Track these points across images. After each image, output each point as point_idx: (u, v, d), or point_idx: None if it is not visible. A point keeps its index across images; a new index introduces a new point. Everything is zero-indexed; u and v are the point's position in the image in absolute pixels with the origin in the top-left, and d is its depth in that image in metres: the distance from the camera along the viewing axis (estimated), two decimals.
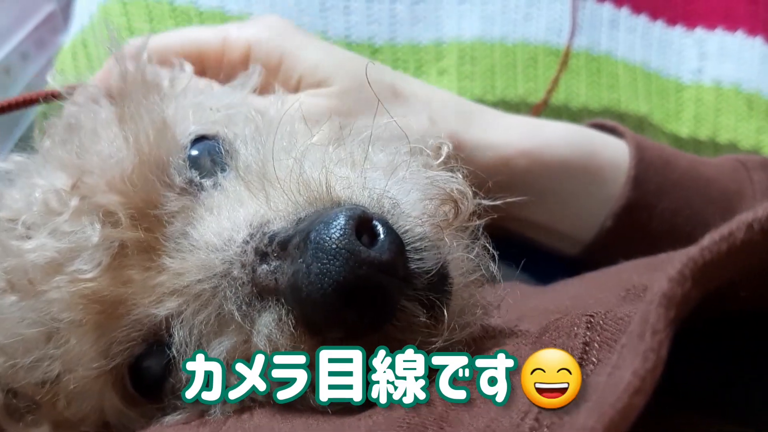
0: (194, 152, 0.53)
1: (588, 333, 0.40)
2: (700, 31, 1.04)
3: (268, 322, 0.44)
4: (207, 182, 0.52)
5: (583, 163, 0.75)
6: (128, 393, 0.51)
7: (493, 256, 0.49)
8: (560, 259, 0.81)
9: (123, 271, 0.47)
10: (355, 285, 0.41)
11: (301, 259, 0.42)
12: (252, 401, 0.46)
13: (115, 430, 0.52)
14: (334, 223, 0.41)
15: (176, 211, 0.49)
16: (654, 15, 1.03)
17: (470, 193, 0.49)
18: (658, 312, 0.29)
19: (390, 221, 0.44)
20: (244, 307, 0.45)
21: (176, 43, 0.68)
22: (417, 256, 0.44)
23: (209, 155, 0.53)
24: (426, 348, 0.43)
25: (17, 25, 0.95)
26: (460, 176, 0.50)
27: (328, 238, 0.41)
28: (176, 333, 0.47)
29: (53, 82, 0.64)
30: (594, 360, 0.38)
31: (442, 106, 0.73)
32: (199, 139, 0.54)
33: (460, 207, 0.48)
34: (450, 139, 0.63)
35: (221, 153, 0.53)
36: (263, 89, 0.66)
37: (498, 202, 0.51)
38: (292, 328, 0.43)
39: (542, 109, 0.95)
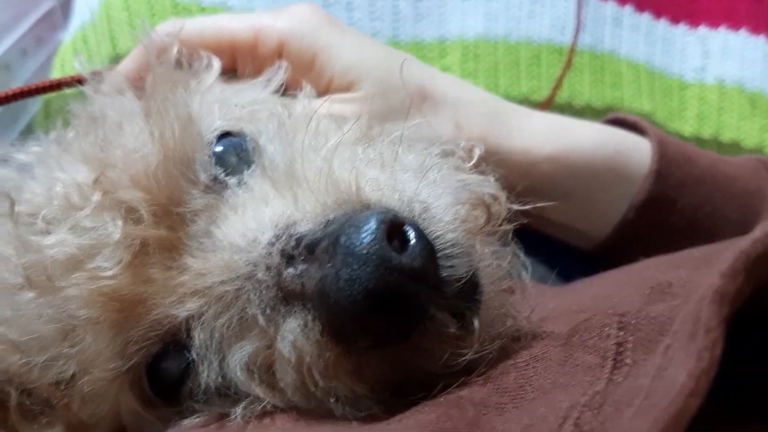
0: (218, 148, 0.52)
1: (620, 333, 0.39)
2: (703, 30, 1.03)
3: (293, 327, 0.43)
4: (231, 180, 0.50)
5: (609, 164, 0.75)
6: (146, 395, 0.50)
7: (525, 263, 0.48)
8: (575, 251, 0.81)
9: (143, 269, 0.46)
10: (385, 292, 0.40)
11: (329, 264, 0.40)
12: (273, 406, 0.45)
13: None
14: (365, 227, 0.40)
15: (200, 209, 0.48)
16: (657, 13, 1.02)
17: (503, 197, 0.48)
18: (710, 309, 0.29)
19: (421, 226, 0.43)
20: (268, 311, 0.44)
21: (208, 33, 0.66)
22: (448, 263, 0.43)
23: (234, 152, 0.52)
24: (455, 360, 0.43)
25: (16, 22, 0.94)
26: (493, 180, 0.49)
27: (358, 243, 0.40)
28: (196, 335, 0.46)
29: (79, 66, 0.62)
30: (629, 362, 0.37)
31: (470, 107, 0.71)
32: (223, 135, 0.53)
33: (492, 212, 0.47)
34: (476, 141, 0.63)
35: (246, 150, 0.52)
36: (291, 85, 0.65)
37: (528, 207, 0.50)
38: (318, 335, 0.42)
39: (547, 108, 0.94)
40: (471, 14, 0.97)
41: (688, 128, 1.01)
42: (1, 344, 0.49)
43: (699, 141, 1.00)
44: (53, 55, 0.96)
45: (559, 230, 0.79)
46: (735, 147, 1.00)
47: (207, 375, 0.47)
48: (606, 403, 0.33)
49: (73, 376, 0.49)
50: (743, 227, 0.63)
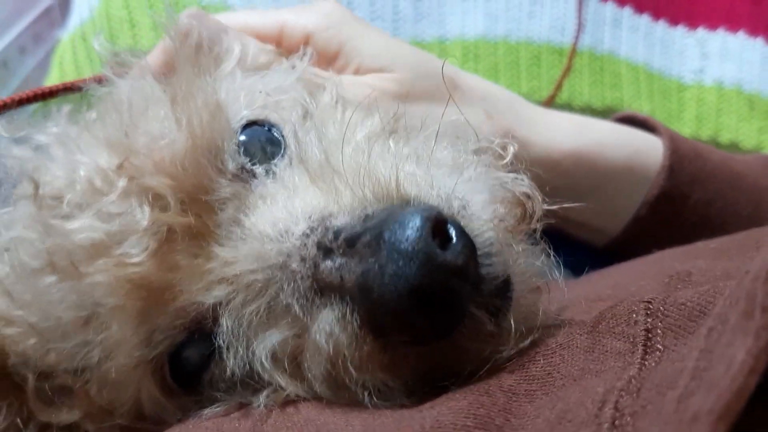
0: (243, 137, 0.51)
1: (649, 320, 0.39)
2: (701, 32, 1.04)
3: (330, 318, 0.42)
4: (259, 169, 0.50)
5: (627, 163, 0.75)
6: (166, 383, 0.49)
7: (557, 261, 0.48)
8: (584, 246, 0.80)
9: (170, 256, 0.46)
10: (429, 289, 0.39)
11: (373, 259, 0.40)
12: (296, 395, 0.44)
13: (150, 421, 0.50)
14: (411, 223, 0.40)
15: (227, 197, 0.48)
16: (656, 15, 1.03)
17: (538, 196, 0.48)
18: (765, 289, 0.28)
19: (462, 223, 0.43)
20: (302, 301, 0.43)
21: (232, 29, 0.65)
22: (486, 262, 0.43)
23: (259, 141, 0.51)
24: (494, 357, 0.43)
25: (15, 19, 0.93)
26: (527, 178, 0.49)
27: (404, 239, 0.39)
28: (224, 322, 0.46)
29: (99, 48, 0.60)
30: (659, 347, 0.37)
31: (497, 100, 0.72)
32: (248, 125, 0.52)
33: (526, 210, 0.47)
34: (504, 134, 0.62)
35: (272, 139, 0.51)
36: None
37: (556, 207, 0.49)
38: (356, 328, 0.42)
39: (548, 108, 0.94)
40: (471, 14, 0.97)
41: (686, 130, 1.01)
42: (20, 327, 0.48)
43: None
44: (52, 53, 0.95)
45: (574, 227, 0.79)
46: (733, 148, 1.01)
47: (233, 362, 0.47)
48: (644, 387, 0.33)
49: (97, 362, 0.48)
50: (755, 223, 0.63)
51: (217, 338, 0.46)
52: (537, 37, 0.98)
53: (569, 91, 0.97)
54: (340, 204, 0.45)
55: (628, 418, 0.31)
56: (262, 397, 0.45)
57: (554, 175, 0.70)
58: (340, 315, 0.42)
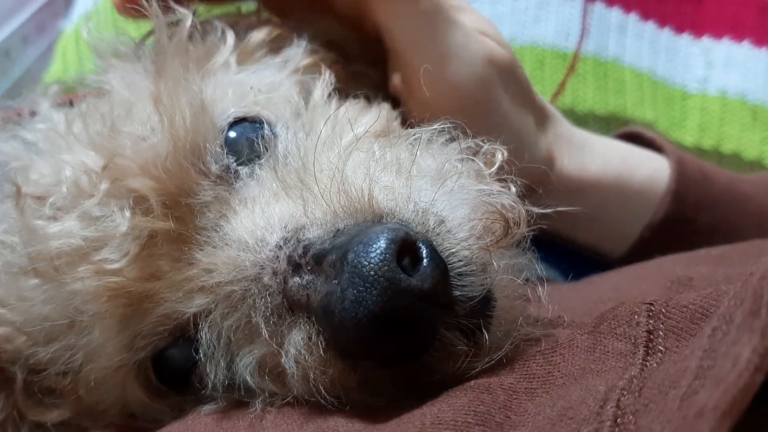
0: (232, 134, 0.50)
1: (651, 321, 0.39)
2: (707, 40, 1.03)
3: (297, 340, 0.42)
4: (243, 170, 0.49)
5: (640, 189, 0.74)
6: (153, 385, 0.49)
7: (541, 272, 0.47)
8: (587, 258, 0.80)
9: (151, 262, 0.45)
10: (392, 316, 0.38)
11: (336, 281, 0.39)
12: (293, 398, 0.44)
13: (146, 420, 0.50)
14: (374, 245, 0.38)
15: (210, 201, 0.47)
16: (662, 22, 1.02)
17: (522, 210, 0.46)
18: None
19: (434, 242, 0.41)
20: (273, 318, 0.42)
21: None
22: (460, 282, 0.41)
23: (248, 139, 0.50)
24: (466, 373, 0.42)
25: (18, 9, 0.93)
26: (513, 189, 0.47)
27: (366, 263, 0.38)
28: (203, 335, 0.45)
29: (89, 37, 0.58)
30: (661, 348, 0.37)
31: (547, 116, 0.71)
32: (237, 121, 0.51)
33: (509, 223, 0.45)
34: (547, 154, 0.63)
35: (261, 137, 0.50)
36: None
37: (549, 210, 0.48)
38: (321, 351, 0.41)
39: None
40: None
41: (689, 138, 1.01)
42: (6, 326, 0.48)
43: (700, 151, 1.00)
44: (54, 43, 0.95)
45: (577, 247, 0.78)
46: (735, 158, 1.00)
47: (214, 375, 0.46)
48: (646, 386, 0.33)
49: (80, 365, 0.48)
50: None
51: (198, 351, 0.46)
52: (542, 42, 0.98)
53: (573, 96, 0.97)
54: (313, 216, 0.44)
55: (630, 417, 0.31)
56: (258, 402, 0.44)
57: (574, 199, 0.68)
58: (306, 336, 0.41)
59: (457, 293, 0.41)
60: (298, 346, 0.41)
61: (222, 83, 0.54)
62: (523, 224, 0.46)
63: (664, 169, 0.75)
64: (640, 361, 0.36)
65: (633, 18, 1.01)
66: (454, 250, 0.42)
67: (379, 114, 0.53)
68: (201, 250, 0.45)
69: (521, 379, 0.39)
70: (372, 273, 0.38)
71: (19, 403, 0.50)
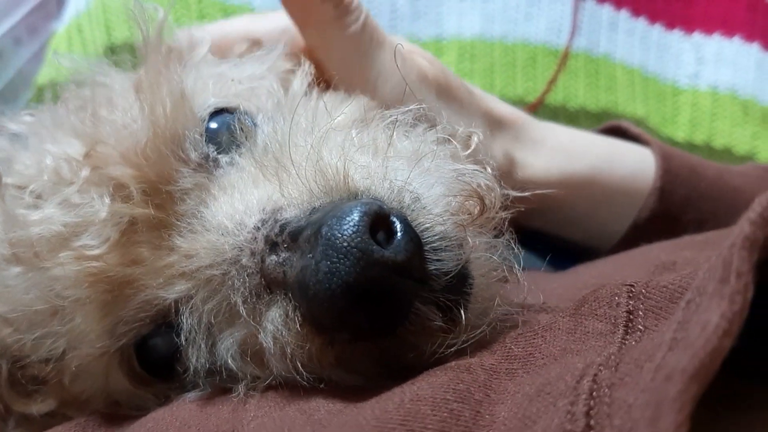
0: (213, 125, 0.51)
1: (631, 302, 0.39)
2: (697, 36, 1.04)
3: (274, 317, 0.42)
4: (223, 158, 0.49)
5: (622, 187, 0.74)
6: (136, 372, 0.49)
7: (517, 255, 0.47)
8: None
9: (131, 248, 0.45)
10: (365, 287, 0.39)
11: (310, 255, 0.39)
12: (274, 380, 0.44)
13: (131, 408, 0.50)
14: (348, 218, 0.39)
15: (189, 188, 0.47)
16: (653, 18, 1.03)
17: (498, 189, 0.47)
18: (741, 255, 0.28)
19: (409, 218, 0.42)
20: (251, 299, 0.43)
21: (235, 35, 0.65)
22: (435, 257, 0.42)
23: (227, 130, 0.51)
24: (442, 351, 0.42)
25: (10, 10, 0.93)
26: (489, 169, 0.48)
27: (339, 235, 0.39)
28: (184, 320, 0.45)
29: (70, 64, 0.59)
30: (641, 327, 0.37)
31: (500, 116, 0.71)
32: (218, 112, 0.52)
33: (485, 203, 0.46)
34: (504, 155, 0.63)
35: (242, 127, 0.51)
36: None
37: (526, 194, 0.49)
38: (298, 326, 0.41)
39: (537, 109, 0.94)
40: (468, 14, 0.98)
41: (680, 134, 1.01)
42: None
43: (691, 147, 1.00)
44: (47, 44, 0.95)
45: (565, 244, 0.78)
46: (727, 153, 1.01)
47: (196, 359, 0.46)
48: (623, 362, 0.33)
49: (63, 352, 0.48)
50: None
51: (180, 336, 0.46)
52: (533, 39, 0.98)
53: (564, 92, 0.97)
54: (289, 197, 0.44)
55: (606, 390, 0.31)
56: (241, 387, 0.45)
57: (549, 198, 0.68)
58: (284, 313, 0.42)
59: (432, 268, 0.41)
60: (275, 323, 0.42)
61: (203, 75, 0.54)
62: (499, 204, 0.46)
63: (649, 165, 0.75)
64: (619, 339, 0.36)
65: (624, 14, 1.02)
66: (428, 225, 0.43)
67: (357, 103, 0.54)
68: (181, 236, 0.46)
69: (502, 360, 0.39)
70: (345, 245, 0.38)
71: (4, 396, 0.50)
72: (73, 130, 0.49)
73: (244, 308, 0.43)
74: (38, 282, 0.46)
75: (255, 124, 0.51)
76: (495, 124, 0.69)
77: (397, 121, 0.49)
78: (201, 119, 0.51)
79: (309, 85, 0.57)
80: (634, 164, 0.75)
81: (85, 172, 0.46)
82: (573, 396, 0.31)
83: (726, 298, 0.27)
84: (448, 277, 0.42)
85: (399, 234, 0.40)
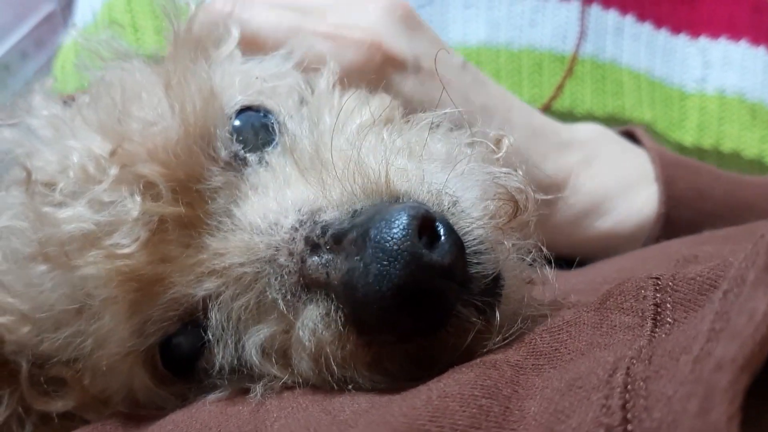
0: (237, 123, 0.51)
1: (658, 295, 0.38)
2: (704, 40, 1.04)
3: (314, 315, 0.42)
4: (252, 157, 0.49)
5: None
6: (159, 371, 0.49)
7: (548, 254, 0.47)
8: None
9: (161, 247, 0.45)
10: (414, 289, 0.39)
11: (358, 257, 0.40)
12: (293, 382, 0.44)
13: (145, 409, 0.49)
14: (397, 222, 0.39)
15: (219, 186, 0.47)
16: (659, 23, 1.03)
17: (531, 192, 0.47)
18: None
19: (450, 221, 0.42)
20: (288, 296, 0.43)
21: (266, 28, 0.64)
22: (475, 260, 0.42)
23: (253, 128, 0.51)
24: (478, 350, 0.42)
25: (17, 24, 0.93)
26: (521, 173, 0.48)
27: (390, 238, 0.39)
28: (213, 316, 0.45)
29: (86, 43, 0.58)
30: (669, 320, 0.36)
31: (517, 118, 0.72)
32: (243, 110, 0.52)
33: (518, 206, 0.46)
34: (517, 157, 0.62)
35: (266, 126, 0.51)
36: None
37: (549, 197, 0.49)
38: (339, 326, 0.41)
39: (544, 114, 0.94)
40: (473, 22, 0.97)
41: (688, 138, 1.01)
42: (13, 315, 0.48)
43: (699, 151, 1.00)
44: (53, 58, 0.95)
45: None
46: (735, 157, 1.00)
47: (222, 356, 0.46)
48: (656, 355, 0.32)
49: (89, 352, 0.47)
50: None
51: (207, 332, 0.46)
52: (539, 45, 0.98)
53: (571, 98, 0.97)
54: (329, 198, 0.44)
55: (641, 383, 0.30)
56: (259, 387, 0.45)
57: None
58: (324, 312, 0.42)
59: (472, 271, 0.42)
60: (315, 321, 0.42)
61: (229, 72, 0.54)
62: (531, 206, 0.47)
63: (652, 196, 0.76)
64: (648, 332, 0.36)
65: (630, 19, 1.01)
66: (468, 229, 0.43)
67: (384, 102, 0.54)
68: (211, 235, 0.46)
69: (528, 356, 0.39)
70: (396, 248, 0.39)
71: (24, 394, 0.50)
72: (98, 126, 0.48)
73: (283, 303, 0.43)
74: (65, 281, 0.46)
75: (279, 122, 0.51)
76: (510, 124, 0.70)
77: (432, 123, 0.50)
78: (228, 116, 0.51)
79: (334, 84, 0.57)
80: (638, 203, 0.76)
81: (114, 170, 0.46)
82: (607, 390, 0.31)
83: None
84: (486, 279, 0.42)
85: (443, 238, 0.40)
